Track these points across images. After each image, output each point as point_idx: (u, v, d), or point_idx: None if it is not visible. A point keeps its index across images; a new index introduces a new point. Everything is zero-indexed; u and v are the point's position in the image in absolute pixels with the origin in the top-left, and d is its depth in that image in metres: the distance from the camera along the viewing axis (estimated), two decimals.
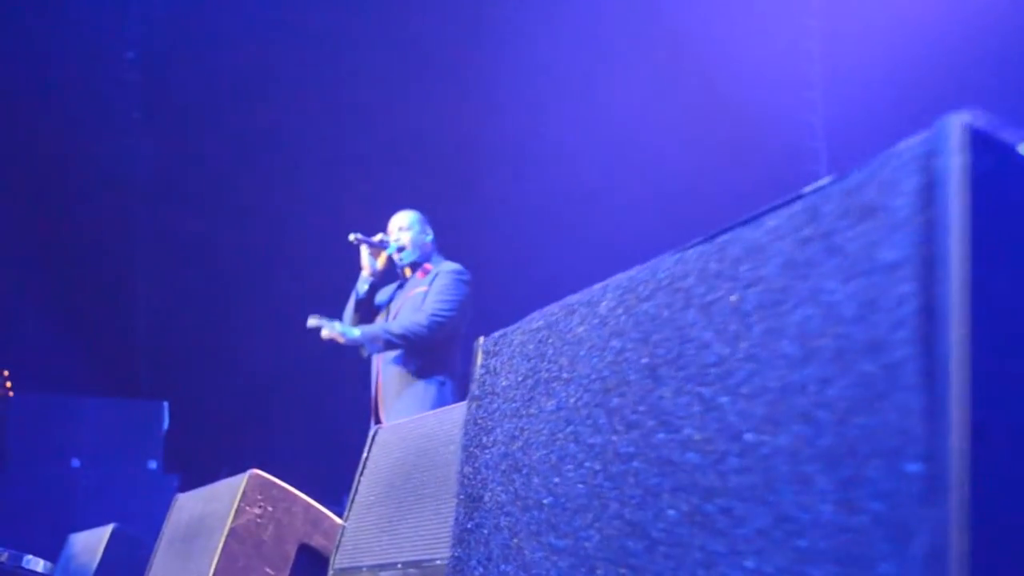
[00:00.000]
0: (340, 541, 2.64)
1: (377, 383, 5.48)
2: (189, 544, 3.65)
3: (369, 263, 5.57)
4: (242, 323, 10.13)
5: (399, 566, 2.37)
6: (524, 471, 1.16)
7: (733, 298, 0.88)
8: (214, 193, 10.13)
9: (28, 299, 9.85)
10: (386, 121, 10.01)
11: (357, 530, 2.61)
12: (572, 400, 1.09)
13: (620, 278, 1.09)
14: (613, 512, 0.98)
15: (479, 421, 1.28)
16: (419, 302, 5.39)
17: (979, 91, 8.20)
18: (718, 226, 1.04)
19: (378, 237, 5.56)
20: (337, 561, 2.62)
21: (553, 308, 1.22)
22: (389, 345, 5.25)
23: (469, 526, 1.24)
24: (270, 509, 3.47)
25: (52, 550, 5.87)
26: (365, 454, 2.73)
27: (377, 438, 2.73)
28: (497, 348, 1.29)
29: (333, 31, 10.05)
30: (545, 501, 1.10)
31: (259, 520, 3.44)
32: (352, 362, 8.34)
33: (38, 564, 4.80)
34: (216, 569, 3.35)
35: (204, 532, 3.57)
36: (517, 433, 1.19)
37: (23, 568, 4.74)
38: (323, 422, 9.27)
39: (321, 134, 10.08)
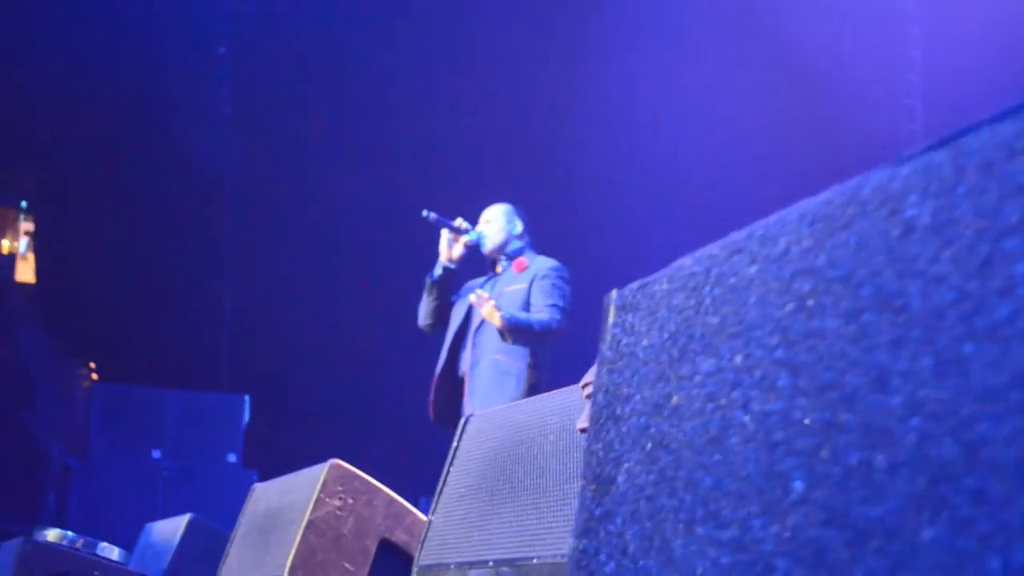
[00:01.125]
0: (426, 536, 2.45)
1: (456, 371, 5.30)
2: (266, 536, 3.49)
3: (446, 248, 5.40)
4: (326, 318, 10.07)
5: (490, 564, 2.17)
6: (672, 447, 0.95)
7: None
8: (301, 189, 10.08)
9: (114, 291, 9.86)
10: (478, 114, 9.87)
11: (445, 525, 2.41)
12: (739, 358, 0.88)
13: (806, 204, 0.88)
14: (798, 496, 0.77)
15: (611, 389, 1.07)
16: (519, 299, 5.21)
17: None
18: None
19: (457, 221, 5.39)
20: (422, 557, 2.42)
21: (710, 249, 1.00)
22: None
23: (598, 513, 1.03)
24: (351, 501, 3.29)
25: (130, 540, 5.79)
26: (455, 443, 2.54)
27: (468, 427, 2.54)
28: (635, 302, 1.08)
29: (423, 25, 9.94)
30: (702, 482, 0.89)
31: (339, 512, 3.27)
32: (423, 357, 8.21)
33: (112, 552, 4.69)
34: (293, 562, 3.18)
35: (282, 524, 3.40)
36: (662, 401, 0.98)
37: (97, 555, 4.63)
38: (405, 420, 9.12)
39: (411, 128, 9.97)
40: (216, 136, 10.51)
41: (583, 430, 2.02)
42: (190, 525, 4.92)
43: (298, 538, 3.20)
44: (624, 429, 1.03)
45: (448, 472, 2.50)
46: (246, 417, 9.68)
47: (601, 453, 1.05)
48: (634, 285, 1.11)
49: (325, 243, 10.02)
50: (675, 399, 0.96)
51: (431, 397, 5.37)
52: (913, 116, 10.87)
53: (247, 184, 10.35)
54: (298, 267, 10.12)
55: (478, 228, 5.41)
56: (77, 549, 4.85)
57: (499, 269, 5.42)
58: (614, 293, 1.13)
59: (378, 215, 9.93)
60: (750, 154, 9.71)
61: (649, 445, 0.98)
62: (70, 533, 5.07)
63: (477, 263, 5.66)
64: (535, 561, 2.05)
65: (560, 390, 2.29)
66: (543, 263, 5.32)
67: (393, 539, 3.33)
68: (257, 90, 10.24)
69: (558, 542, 2.02)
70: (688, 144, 9.81)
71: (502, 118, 9.75)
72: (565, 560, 1.97)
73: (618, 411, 1.05)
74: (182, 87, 10.13)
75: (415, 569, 2.43)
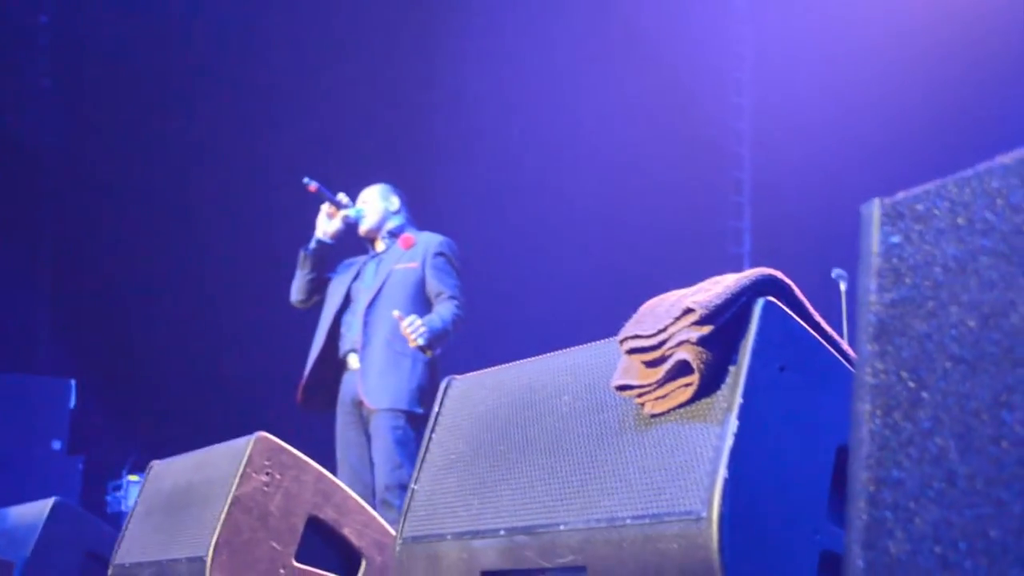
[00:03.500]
0: (409, 506, 2.29)
1: (335, 353, 5.14)
2: (177, 515, 3.25)
3: (324, 222, 5.24)
4: (158, 298, 9.67)
5: (502, 533, 2.04)
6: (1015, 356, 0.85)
7: None
8: (126, 164, 9.64)
9: None
10: (325, 99, 9.64)
11: (434, 494, 2.26)
12: None
13: None
14: None
15: (898, 305, 0.96)
16: (412, 277, 5.09)
17: (905, 94, 8.20)
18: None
19: (340, 195, 5.24)
20: (408, 529, 2.27)
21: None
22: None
23: (896, 440, 0.92)
24: (278, 476, 3.09)
25: None
26: (436, 408, 2.39)
27: (450, 391, 2.39)
28: (920, 211, 0.98)
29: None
30: None
31: (266, 488, 3.07)
32: (271, 339, 7.97)
33: None
34: (218, 541, 2.97)
35: (198, 501, 3.18)
36: (1000, 309, 0.88)
37: None
38: (243, 403, 8.82)
39: (248, 99, 9.62)
40: (35, 109, 9.97)
41: (621, 387, 1.91)
42: (55, 508, 4.59)
43: (223, 515, 2.99)
44: (930, 345, 0.92)
45: (430, 439, 2.35)
46: (72, 402, 9.22)
47: (893, 375, 0.94)
48: (908, 194, 1.01)
49: (155, 219, 9.59)
50: (1021, 308, 0.86)
51: (304, 379, 5.19)
52: (740, 114, 11.19)
53: (68, 159, 9.84)
54: (125, 245, 9.67)
55: (357, 205, 5.29)
56: None
57: (381, 247, 5.29)
58: (877, 203, 1.03)
59: (204, 193, 9.57)
60: (599, 143, 9.79)
61: (979, 358, 0.88)
62: None
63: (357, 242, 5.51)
64: (562, 528, 1.93)
65: (565, 350, 2.18)
66: (430, 239, 5.23)
67: (322, 516, 3.15)
68: (79, 61, 9.74)
69: (589, 507, 1.90)
70: (545, 129, 9.81)
71: (357, 114, 9.55)
72: (600, 525, 1.86)
73: (918, 327, 0.94)
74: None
75: (399, 542, 2.27)
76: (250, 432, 3.18)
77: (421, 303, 5.08)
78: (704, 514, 1.70)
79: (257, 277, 8.23)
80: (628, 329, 1.91)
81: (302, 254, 5.29)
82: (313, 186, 5.11)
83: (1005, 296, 0.88)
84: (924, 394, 0.92)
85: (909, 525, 0.89)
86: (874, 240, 1.01)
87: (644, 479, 1.83)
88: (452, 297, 5.04)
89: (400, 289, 5.05)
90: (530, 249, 9.55)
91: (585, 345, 2.12)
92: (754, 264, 10.61)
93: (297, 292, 5.36)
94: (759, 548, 1.73)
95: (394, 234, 5.28)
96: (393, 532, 3.14)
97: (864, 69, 8.78)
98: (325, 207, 5.23)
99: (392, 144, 9.38)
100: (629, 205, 9.80)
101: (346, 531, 3.17)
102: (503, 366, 2.30)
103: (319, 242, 5.25)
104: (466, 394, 2.34)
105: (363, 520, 3.19)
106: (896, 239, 0.99)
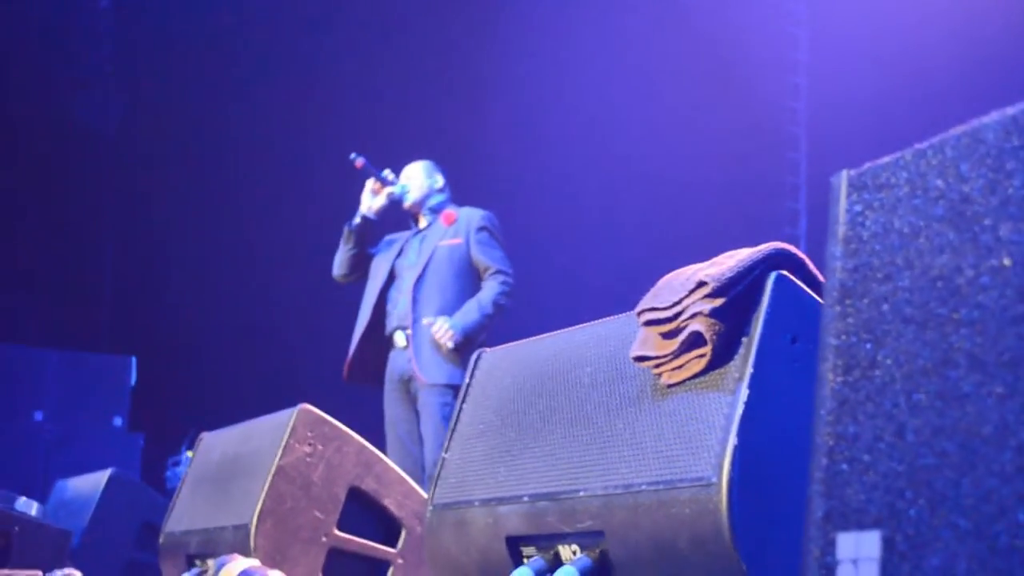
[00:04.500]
0: (440, 474, 2.37)
1: (380, 328, 5.24)
2: (224, 485, 3.36)
3: (369, 198, 5.33)
4: (214, 277, 9.83)
5: (525, 499, 2.11)
6: (966, 318, 0.91)
7: None
8: (184, 147, 9.80)
9: None
10: (374, 84, 9.73)
11: (463, 462, 2.34)
12: None
13: None
14: None
15: (859, 270, 1.02)
16: (457, 254, 5.17)
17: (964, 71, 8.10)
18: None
19: (385, 171, 5.33)
20: (438, 496, 2.35)
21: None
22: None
23: (855, 397, 0.98)
24: (320, 447, 3.19)
25: (11, 505, 5.55)
26: (467, 380, 2.47)
27: (481, 363, 2.47)
28: (882, 180, 1.03)
29: None
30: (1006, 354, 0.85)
31: (309, 459, 3.17)
32: (324, 314, 8.08)
33: (31, 507, 4.49)
34: (262, 510, 3.07)
35: (244, 471, 3.28)
36: (947, 274, 0.94)
37: (15, 511, 4.42)
38: (299, 382, 8.95)
39: (307, 83, 9.74)
40: (97, 94, 10.14)
41: (639, 358, 1.97)
42: (111, 480, 4.74)
43: (267, 485, 3.09)
44: (885, 308, 0.98)
45: (461, 410, 2.43)
46: (133, 379, 9.40)
47: (853, 336, 1.00)
48: (873, 165, 1.07)
49: (210, 199, 9.74)
50: (967, 271, 0.92)
51: (350, 355, 5.29)
52: (796, 93, 11.13)
53: (129, 142, 10.00)
54: (182, 224, 9.84)
55: (400, 180, 5.37)
56: None
57: (423, 223, 5.37)
58: (845, 174, 1.08)
59: (265, 173, 9.72)
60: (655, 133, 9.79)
61: (928, 319, 0.94)
62: None
63: (397, 219, 5.59)
64: (582, 494, 2.00)
65: (591, 323, 2.24)
66: (472, 214, 5.31)
67: (363, 487, 3.24)
68: (140, 47, 9.90)
69: (607, 474, 1.97)
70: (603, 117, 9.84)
71: (404, 103, 9.63)
72: (618, 491, 1.93)
73: (875, 290, 1.00)
74: (61, 43, 9.75)
75: (429, 508, 2.35)
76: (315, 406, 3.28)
77: (467, 279, 5.16)
78: (715, 480, 1.76)
79: (308, 253, 8.35)
80: (645, 302, 1.97)
81: (346, 229, 5.38)
82: (360, 162, 5.20)
83: (952, 261, 0.93)
84: (880, 354, 0.97)
85: (863, 476, 0.95)
86: (840, 209, 1.06)
87: (659, 447, 1.89)
88: (499, 272, 5.12)
89: (446, 265, 5.14)
90: (584, 228, 9.58)
91: (608, 318, 2.18)
92: (810, 247, 10.60)
93: (340, 267, 5.46)
94: (768, 513, 1.79)
95: (436, 210, 5.36)
96: None
97: (921, 42, 8.69)
98: (370, 183, 5.32)
99: (440, 123, 9.45)
100: (681, 184, 9.79)
101: (387, 501, 3.25)
102: (531, 339, 2.37)
103: (363, 218, 5.33)
104: (496, 366, 2.41)
105: (403, 491, 3.28)
106: (859, 208, 1.04)
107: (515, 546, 2.14)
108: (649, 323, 1.96)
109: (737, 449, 1.77)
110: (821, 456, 0.97)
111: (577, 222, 9.66)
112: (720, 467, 1.76)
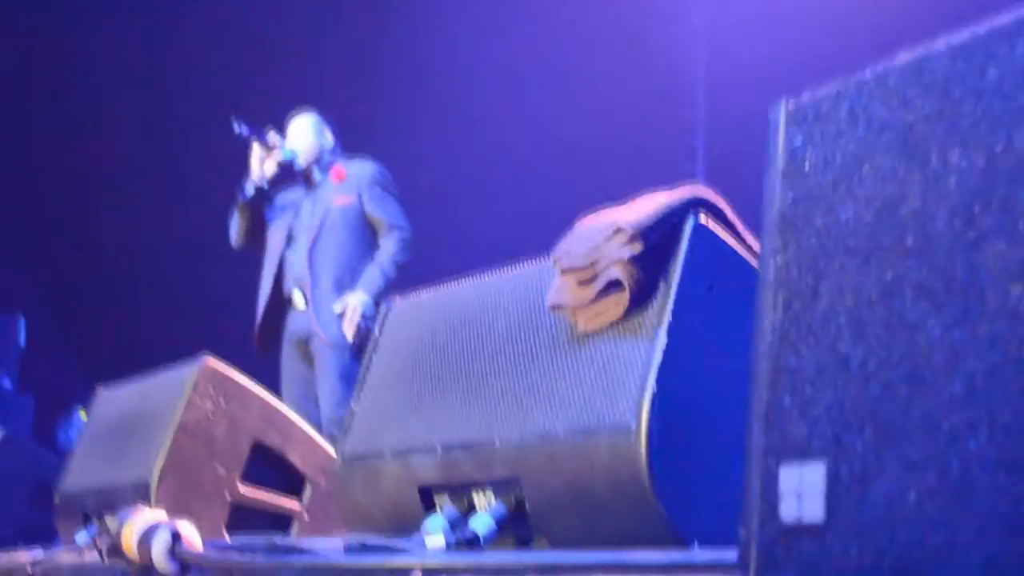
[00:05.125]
0: (349, 426, 2.33)
1: (281, 292, 5.18)
2: (123, 442, 3.27)
3: (258, 165, 5.22)
4: (102, 231, 9.54)
5: (438, 449, 2.08)
6: (911, 246, 0.90)
7: None
8: (57, 86, 9.41)
9: None
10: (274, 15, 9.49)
11: (372, 413, 2.30)
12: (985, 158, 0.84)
13: None
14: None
15: (798, 203, 1.00)
16: (351, 213, 5.13)
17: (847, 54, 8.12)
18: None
19: (270, 136, 5.22)
20: (347, 447, 2.30)
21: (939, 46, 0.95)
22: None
23: (794, 331, 0.97)
24: (223, 403, 3.12)
25: None
26: (377, 330, 2.42)
27: (391, 313, 2.42)
28: (821, 111, 1.02)
29: None
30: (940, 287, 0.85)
31: (211, 414, 3.10)
32: (220, 268, 7.92)
33: None
34: (164, 466, 3.00)
35: (143, 427, 3.20)
36: (891, 203, 0.92)
37: None
38: (194, 335, 8.78)
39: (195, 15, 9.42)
40: None
41: (555, 306, 1.95)
42: (3, 441, 4.61)
43: (168, 441, 3.02)
44: (827, 240, 0.97)
45: (371, 360, 2.39)
46: (21, 339, 9.16)
47: (794, 269, 0.99)
48: (812, 96, 1.05)
49: (99, 143, 9.40)
50: (913, 200, 0.91)
51: (258, 325, 5.23)
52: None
53: (11, 87, 9.61)
54: (67, 174, 9.50)
55: (288, 143, 5.27)
56: None
57: (315, 181, 5.30)
58: (783, 105, 1.06)
59: (153, 109, 9.40)
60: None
61: (872, 249, 0.93)
62: None
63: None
64: (497, 443, 1.97)
65: (503, 270, 2.21)
66: (362, 169, 5.25)
67: (266, 442, 3.19)
68: None
69: (523, 422, 1.95)
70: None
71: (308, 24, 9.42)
72: (535, 439, 1.91)
73: (817, 223, 0.98)
74: None
75: (339, 460, 2.31)
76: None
77: (363, 235, 5.13)
78: (633, 426, 1.75)
79: (204, 204, 8.17)
80: (561, 248, 1.95)
81: (240, 200, 5.28)
82: (244, 131, 5.11)
83: (897, 189, 0.92)
84: (822, 286, 0.96)
85: (806, 409, 0.93)
86: (779, 140, 1.05)
87: (577, 394, 1.87)
88: (393, 226, 5.09)
89: (340, 225, 5.10)
90: (484, 169, 9.46)
91: (521, 264, 2.15)
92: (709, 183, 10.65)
93: (237, 237, 5.37)
94: (686, 459, 1.79)
95: (326, 168, 5.29)
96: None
97: None
98: (256, 149, 5.21)
99: (339, 69, 9.29)
100: (581, 122, 9.72)
101: (291, 456, 3.21)
102: (441, 287, 2.33)
103: (256, 187, 5.24)
104: (406, 315, 2.37)
105: (308, 446, 3.23)
106: (799, 139, 1.02)
107: (428, 495, 2.12)
108: (565, 270, 1.93)
109: (656, 395, 1.76)
110: (762, 389, 0.95)
111: (477, 170, 9.56)
112: (639, 413, 1.75)
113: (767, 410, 0.98)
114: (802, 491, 0.92)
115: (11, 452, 4.66)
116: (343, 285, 4.99)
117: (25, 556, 2.36)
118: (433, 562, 1.32)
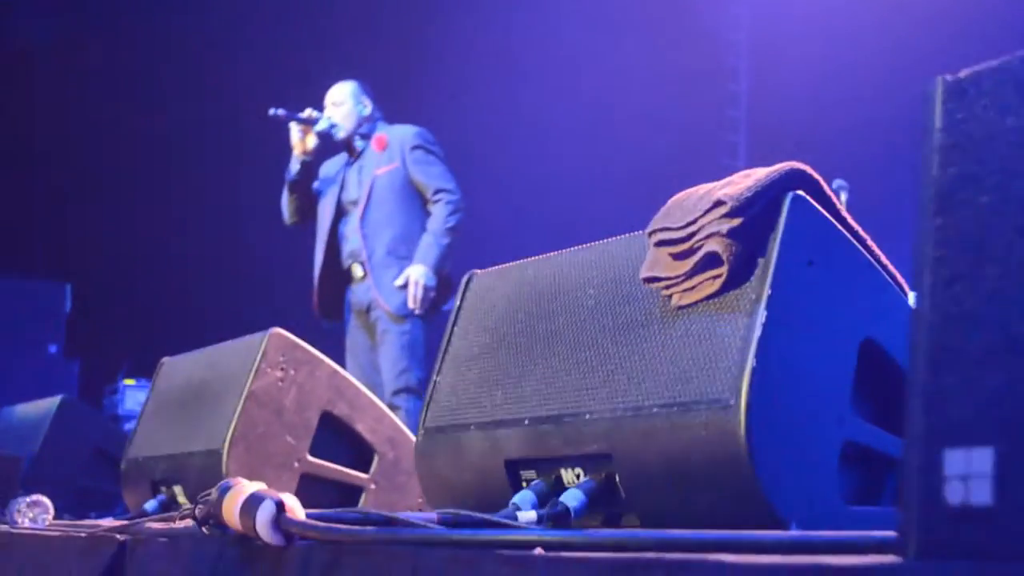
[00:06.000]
0: (431, 398, 2.32)
1: (337, 262, 5.21)
2: (191, 410, 3.29)
3: (299, 142, 5.25)
4: (148, 201, 9.62)
5: (526, 422, 2.07)
6: None
7: None
8: (119, 65, 9.52)
9: None
10: None
11: (455, 385, 2.29)
12: None
13: None
14: None
15: (964, 179, 0.98)
16: (397, 180, 5.13)
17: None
18: None
19: (306, 112, 5.24)
20: (429, 419, 2.30)
21: None
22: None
23: (955, 313, 0.95)
24: (292, 372, 3.13)
25: None
26: (458, 302, 2.41)
27: (472, 285, 2.41)
28: (970, 88, 1.00)
29: None
30: None
31: (281, 383, 3.11)
32: (266, 239, 7.96)
33: None
34: (234, 435, 3.01)
35: (212, 396, 3.21)
36: None
37: None
38: (239, 305, 8.83)
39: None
40: (30, 11, 9.81)
41: (649, 279, 1.94)
42: (62, 406, 4.64)
43: (239, 409, 3.03)
44: (992, 217, 0.95)
45: (452, 332, 2.38)
46: (68, 306, 9.24)
47: (956, 247, 0.97)
48: (973, 72, 1.03)
49: (151, 117, 9.48)
50: None
51: (316, 294, 5.28)
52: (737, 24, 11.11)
53: (63, 56, 9.69)
54: (120, 144, 9.58)
55: (326, 114, 5.28)
56: None
57: (357, 149, 5.31)
58: (940, 80, 1.04)
59: (208, 91, 9.47)
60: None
61: None
62: None
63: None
64: (588, 416, 1.96)
65: (588, 245, 2.20)
66: (404, 133, 5.26)
67: (335, 412, 3.19)
68: None
69: (615, 396, 1.93)
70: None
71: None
72: (628, 414, 1.90)
73: (980, 200, 0.97)
74: None
75: (420, 432, 2.31)
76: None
77: (412, 202, 5.15)
78: (732, 402, 1.74)
79: (245, 175, 8.21)
80: (656, 222, 1.93)
81: (288, 180, 5.32)
82: (280, 114, 5.14)
83: None
84: (988, 265, 0.94)
85: (972, 391, 0.92)
86: (937, 116, 1.03)
87: (671, 368, 1.86)
88: (441, 189, 5.10)
89: (387, 194, 5.12)
90: (527, 157, 9.50)
91: (608, 240, 2.14)
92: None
93: (290, 215, 5.43)
94: (784, 435, 1.77)
95: (367, 136, 5.29)
96: (405, 429, 3.20)
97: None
98: (294, 128, 5.23)
99: (388, 42, 9.30)
100: (626, 115, 9.74)
101: (359, 427, 3.21)
102: (525, 260, 2.32)
103: (301, 163, 5.27)
104: (488, 288, 2.36)
105: (375, 416, 3.24)
106: (961, 114, 1.00)
107: (514, 470, 2.11)
108: (660, 243, 1.92)
109: (755, 371, 1.74)
110: (923, 371, 0.93)
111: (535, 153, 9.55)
112: (738, 389, 1.74)
113: (929, 391, 0.96)
114: (969, 474, 0.90)
115: (70, 416, 4.69)
116: (399, 254, 5.02)
117: (111, 523, 2.37)
118: (553, 537, 1.31)
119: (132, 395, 8.91)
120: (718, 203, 1.83)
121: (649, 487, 1.88)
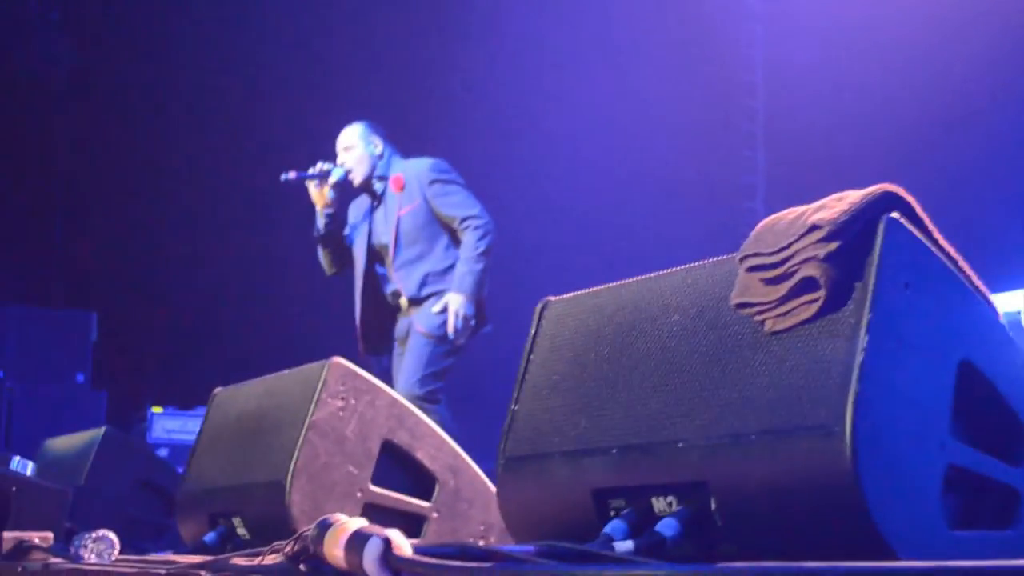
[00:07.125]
0: (511, 427, 2.30)
1: (378, 301, 5.25)
2: (249, 441, 3.27)
3: (319, 196, 5.27)
4: (171, 229, 9.63)
5: (614, 451, 2.05)
6: None
7: None
8: (138, 95, 9.55)
9: None
10: (334, 32, 9.54)
11: (536, 413, 2.27)
12: None
13: None
14: None
15: None
16: (420, 218, 5.16)
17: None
18: None
19: (317, 167, 5.26)
20: (510, 449, 2.28)
21: None
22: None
23: None
24: (353, 401, 3.11)
25: None
26: (533, 330, 2.39)
27: (548, 312, 2.39)
28: None
29: None
30: None
31: (342, 413, 3.09)
32: (290, 269, 7.96)
33: (27, 467, 4.36)
34: (296, 466, 3.00)
35: (271, 427, 3.20)
36: None
37: (11, 471, 4.30)
38: (267, 339, 8.83)
39: (266, 34, 9.51)
40: (43, 41, 9.84)
41: (741, 305, 1.92)
42: (106, 437, 4.63)
43: (300, 440, 3.01)
44: None
45: (529, 360, 2.36)
46: (94, 335, 9.23)
47: None
48: None
49: (170, 147, 9.51)
50: None
51: (360, 335, 5.33)
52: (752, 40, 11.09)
53: (79, 91, 9.73)
54: (140, 175, 9.61)
55: (339, 160, 5.30)
56: None
57: (377, 192, 5.34)
58: None
59: (221, 120, 9.49)
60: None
61: None
62: None
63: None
64: (681, 445, 1.94)
65: (669, 271, 2.18)
66: (419, 170, 5.29)
67: (396, 440, 3.18)
68: None
69: (709, 423, 1.91)
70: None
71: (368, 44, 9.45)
72: (723, 441, 1.88)
73: None
74: None
75: (502, 461, 2.29)
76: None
77: (440, 235, 5.20)
78: (836, 428, 1.71)
79: (270, 206, 8.21)
80: (748, 247, 1.92)
81: (317, 236, 5.37)
82: (292, 177, 5.17)
83: None
84: None
85: None
86: None
87: (769, 394, 1.84)
88: (467, 217, 5.13)
89: (415, 233, 5.17)
90: (540, 188, 9.46)
91: (687, 266, 2.12)
92: (768, 193, 10.60)
93: (328, 267, 5.52)
94: (890, 461, 1.75)
95: (384, 177, 5.31)
96: (466, 457, 3.18)
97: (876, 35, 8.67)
98: (310, 186, 5.26)
99: (407, 77, 9.31)
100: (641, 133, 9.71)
101: (420, 455, 3.20)
102: (600, 287, 2.30)
103: (326, 217, 5.31)
104: (564, 315, 2.34)
105: (436, 444, 3.22)
106: None
107: (602, 498, 2.09)
108: (752, 268, 1.90)
109: (858, 396, 1.72)
110: None
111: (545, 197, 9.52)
112: (842, 415, 1.72)
113: None
114: None
115: (114, 448, 4.68)
116: (436, 290, 5.09)
117: (189, 559, 2.35)
118: (673, 572, 1.29)
119: (160, 423, 8.90)
120: (814, 227, 1.82)
121: (748, 516, 1.86)
